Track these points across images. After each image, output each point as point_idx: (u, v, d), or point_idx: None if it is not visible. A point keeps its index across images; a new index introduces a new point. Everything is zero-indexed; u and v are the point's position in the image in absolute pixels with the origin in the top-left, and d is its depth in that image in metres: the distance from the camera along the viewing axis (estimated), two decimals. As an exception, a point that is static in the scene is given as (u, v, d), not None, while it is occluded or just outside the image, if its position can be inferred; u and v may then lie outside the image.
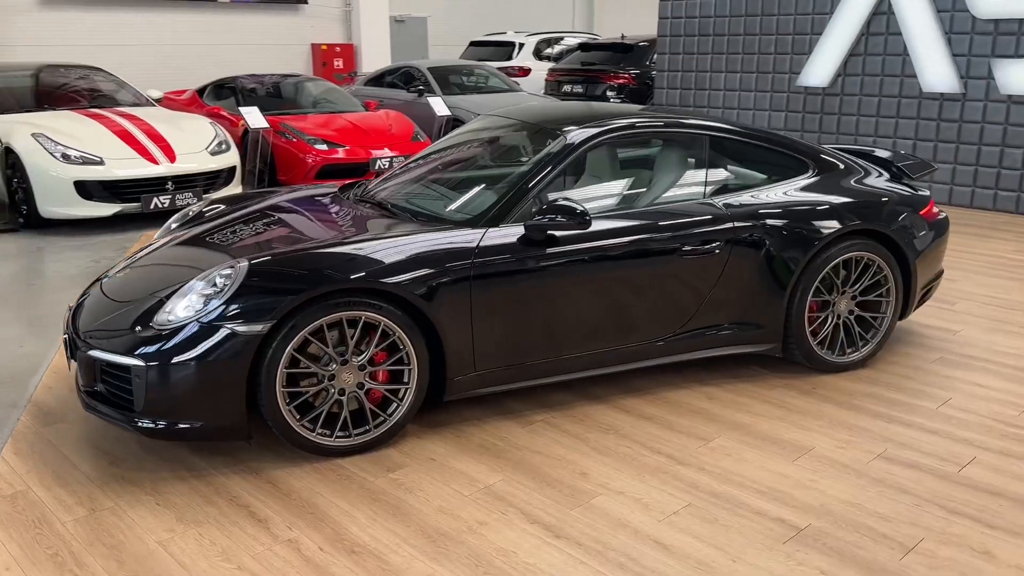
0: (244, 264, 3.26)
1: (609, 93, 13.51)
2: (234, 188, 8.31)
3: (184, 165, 7.82)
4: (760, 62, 9.97)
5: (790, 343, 4.17)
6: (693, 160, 4.19)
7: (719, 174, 4.18)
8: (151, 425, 3.18)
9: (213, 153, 8.15)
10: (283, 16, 14.93)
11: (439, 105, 10.79)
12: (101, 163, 7.45)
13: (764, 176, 4.37)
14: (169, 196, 7.69)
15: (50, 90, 8.96)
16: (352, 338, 3.30)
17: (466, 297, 3.47)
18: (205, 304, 3.18)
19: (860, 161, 4.65)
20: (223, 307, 3.14)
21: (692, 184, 4.13)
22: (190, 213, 4.46)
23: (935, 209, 4.56)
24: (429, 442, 3.54)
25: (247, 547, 2.80)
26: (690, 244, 3.86)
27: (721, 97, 10.40)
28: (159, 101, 9.76)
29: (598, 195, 4.04)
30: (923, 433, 3.65)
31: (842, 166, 4.46)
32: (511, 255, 3.56)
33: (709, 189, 4.10)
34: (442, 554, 2.77)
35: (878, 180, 4.49)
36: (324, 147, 9.13)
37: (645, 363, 3.95)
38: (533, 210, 3.63)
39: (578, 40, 15.42)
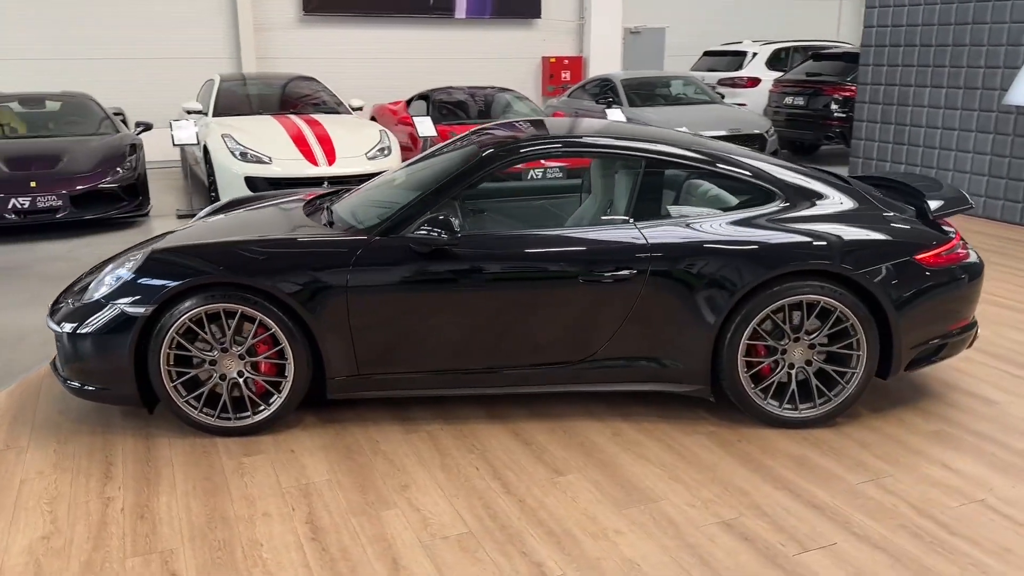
0: (147, 251, 3.74)
1: (833, 106, 12.53)
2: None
3: (341, 167, 8.66)
4: (967, 76, 8.73)
5: (724, 388, 3.80)
6: (627, 183, 3.97)
7: (651, 200, 3.91)
8: (75, 385, 3.77)
9: (371, 157, 8.92)
10: (516, 30, 15.66)
11: (615, 117, 10.79)
12: (269, 162, 8.52)
13: (711, 205, 4.02)
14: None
15: (266, 96, 10.33)
16: (229, 329, 3.64)
17: (343, 303, 3.65)
18: (112, 285, 3.70)
19: (871, 193, 4.06)
20: (120, 289, 3.64)
21: (616, 208, 3.92)
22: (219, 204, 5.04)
23: (953, 252, 3.87)
24: (306, 435, 3.77)
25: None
26: (598, 271, 3.69)
27: (924, 115, 9.25)
28: (359, 109, 10.81)
29: (511, 212, 3.99)
30: (802, 506, 3.18)
31: (826, 198, 3.93)
32: (392, 266, 3.67)
33: (637, 213, 3.85)
34: (200, 536, 3.01)
35: (869, 216, 3.89)
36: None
37: (556, 388, 3.83)
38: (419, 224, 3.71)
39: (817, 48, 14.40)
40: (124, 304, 3.60)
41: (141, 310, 3.58)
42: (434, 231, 3.62)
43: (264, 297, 3.63)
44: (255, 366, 3.72)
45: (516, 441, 3.71)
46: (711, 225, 3.79)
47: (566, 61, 15.88)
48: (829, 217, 3.86)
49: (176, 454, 3.60)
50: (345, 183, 8.54)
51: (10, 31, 12.62)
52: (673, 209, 3.98)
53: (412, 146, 10.64)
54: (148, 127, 9.66)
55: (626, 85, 11.88)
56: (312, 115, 9.75)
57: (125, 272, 3.69)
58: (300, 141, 8.84)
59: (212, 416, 3.73)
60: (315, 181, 8.57)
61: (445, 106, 11.12)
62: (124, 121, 10.69)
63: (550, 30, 15.95)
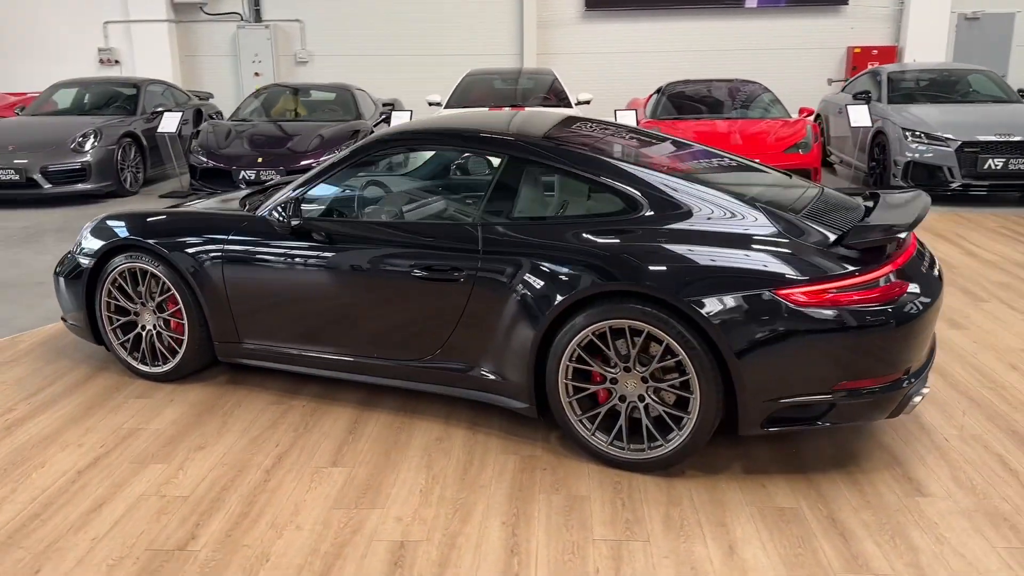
0: (103, 215, 4.43)
1: None
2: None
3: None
4: None
5: (551, 411, 3.45)
6: (485, 179, 3.73)
7: (504, 199, 3.61)
8: (61, 317, 4.62)
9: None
10: (818, 18, 14.29)
11: (857, 114, 9.53)
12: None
13: (563, 209, 3.61)
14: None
15: (503, 90, 10.88)
16: (143, 285, 4.20)
17: (219, 272, 4.00)
18: (77, 241, 4.46)
19: (756, 212, 3.30)
20: (80, 243, 4.38)
21: (468, 205, 3.71)
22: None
23: (847, 291, 3.05)
24: (193, 390, 4.19)
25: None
26: (433, 269, 3.57)
27: None
28: (586, 103, 10.88)
29: (368, 200, 3.96)
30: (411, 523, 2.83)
31: (702, 212, 3.31)
32: (258, 243, 3.93)
33: (484, 214, 3.62)
34: None
35: (735, 238, 3.21)
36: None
37: (402, 384, 3.80)
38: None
39: None
40: (80, 256, 4.34)
41: (87, 262, 4.29)
42: (276, 212, 3.81)
43: (160, 260, 4.11)
44: (166, 322, 4.23)
45: (338, 428, 3.75)
46: (549, 231, 3.44)
47: (875, 51, 14.19)
48: (679, 234, 3.26)
49: (101, 381, 4.27)
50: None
51: (326, 33, 14.80)
52: (531, 210, 3.64)
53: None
54: (388, 115, 10.80)
55: (894, 78, 10.35)
56: (527, 107, 10.08)
57: (85, 231, 4.43)
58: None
59: (147, 364, 4.32)
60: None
61: (681, 100, 10.72)
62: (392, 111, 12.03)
63: (860, 17, 14.36)
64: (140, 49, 14.64)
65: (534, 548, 2.83)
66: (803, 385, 3.10)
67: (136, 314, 4.27)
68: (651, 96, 11.61)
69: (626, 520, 2.99)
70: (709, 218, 3.31)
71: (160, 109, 10.73)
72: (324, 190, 3.97)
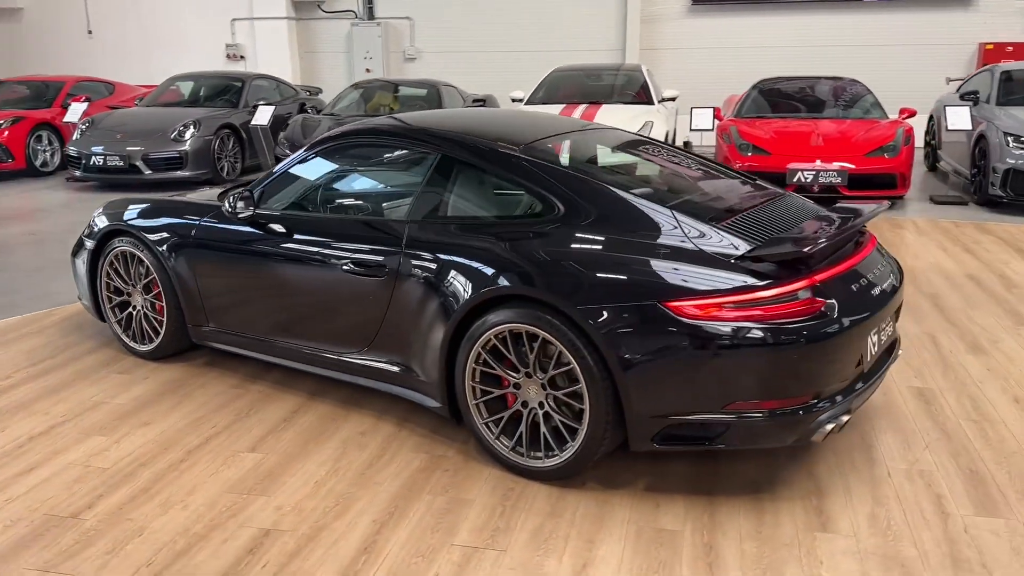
0: (109, 201, 4.75)
1: None
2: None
3: (582, 155, 8.82)
4: None
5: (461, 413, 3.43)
6: (419, 176, 3.72)
7: (432, 197, 3.60)
8: (81, 302, 5.00)
9: (619, 147, 8.87)
10: (944, 13, 13.22)
11: (956, 116, 8.83)
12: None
13: (485, 209, 3.56)
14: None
15: (588, 86, 10.78)
16: (133, 268, 4.47)
17: (188, 258, 4.21)
18: (88, 224, 4.80)
19: (671, 220, 3.14)
20: (88, 227, 4.72)
21: (401, 202, 3.72)
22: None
23: (750, 307, 2.86)
24: (170, 369, 4.43)
25: (1, 371, 4.46)
26: (360, 264, 3.62)
27: None
28: (671, 100, 10.58)
29: (321, 195, 4.02)
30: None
31: (612, 218, 3.18)
32: (222, 231, 4.10)
33: (412, 211, 3.62)
34: (-6, 412, 3.94)
35: (637, 245, 3.07)
36: (750, 153, 8.78)
37: (340, 376, 3.86)
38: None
39: None
40: (86, 238, 4.68)
41: (89, 244, 4.63)
42: (228, 203, 3.97)
43: (144, 245, 4.36)
44: (153, 303, 4.49)
45: (274, 415, 3.87)
46: (465, 232, 3.41)
47: (1009, 48, 13.04)
48: (583, 240, 3.16)
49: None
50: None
51: (435, 30, 15.10)
52: (454, 210, 3.60)
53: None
54: (481, 106, 10.95)
55: (1009, 76, 9.48)
56: (599, 104, 9.94)
57: (94, 215, 4.76)
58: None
59: (130, 338, 4.62)
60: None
61: (775, 97, 10.25)
62: (482, 106, 12.15)
63: (993, 12, 13.23)
64: (263, 45, 15.48)
65: (389, 548, 2.83)
66: (693, 403, 2.94)
67: (128, 294, 4.57)
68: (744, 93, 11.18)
69: (495, 528, 2.94)
70: (618, 224, 3.18)
71: (259, 102, 11.32)
72: (285, 183, 4.09)
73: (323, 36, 15.67)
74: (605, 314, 2.96)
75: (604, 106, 9.82)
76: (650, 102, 10.27)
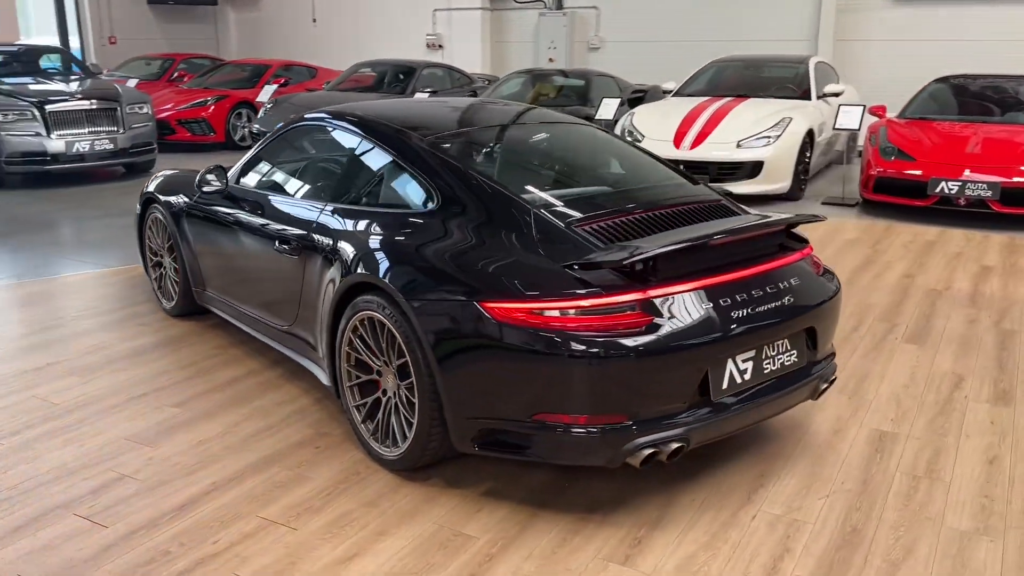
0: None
1: None
2: (762, 183, 8.37)
3: (701, 152, 8.45)
4: None
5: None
6: (345, 159, 3.82)
7: (348, 183, 3.69)
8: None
9: (742, 145, 8.40)
10: None
11: None
12: (639, 141, 8.85)
13: (383, 196, 3.56)
14: (678, 177, 8.51)
15: (739, 79, 10.24)
16: (158, 230, 5.00)
17: (188, 226, 4.63)
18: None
19: (527, 219, 3.02)
20: (142, 190, 5.33)
21: (327, 186, 3.83)
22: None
23: (567, 314, 2.71)
24: (182, 326, 4.89)
25: (57, 314, 5.17)
26: (284, 242, 3.79)
27: None
28: (835, 95, 9.75)
29: (282, 175, 4.21)
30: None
31: (470, 211, 3.12)
32: (203, 204, 4.47)
33: (330, 194, 3.77)
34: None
35: (479, 239, 3.02)
36: (893, 158, 7.94)
37: (281, 349, 4.08)
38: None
39: None
40: (137, 205, 5.29)
41: (137, 208, 5.23)
42: (202, 177, 4.30)
43: (165, 212, 4.84)
44: (174, 266, 4.98)
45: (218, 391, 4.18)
46: (358, 217, 3.49)
47: None
48: (436, 231, 3.13)
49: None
50: (700, 169, 8.34)
51: (620, 19, 14.91)
52: (359, 194, 3.66)
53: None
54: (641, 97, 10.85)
55: None
56: (744, 98, 9.38)
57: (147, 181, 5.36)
58: (687, 123, 8.83)
59: (161, 295, 5.17)
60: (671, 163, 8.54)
61: (955, 96, 9.14)
62: (643, 98, 11.92)
63: None
64: (458, 35, 16.16)
65: (202, 510, 3.00)
66: (502, 408, 2.83)
67: (161, 256, 5.10)
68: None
69: (308, 508, 3.01)
70: (476, 220, 3.13)
71: (427, 90, 11.88)
72: (256, 162, 4.36)
73: (513, 26, 16.05)
74: (430, 308, 2.93)
75: (749, 100, 9.28)
76: (807, 97, 9.55)
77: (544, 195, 3.29)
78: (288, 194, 4.04)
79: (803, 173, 8.88)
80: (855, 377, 4.16)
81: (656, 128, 8.89)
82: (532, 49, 15.87)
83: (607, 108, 9.86)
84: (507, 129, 3.92)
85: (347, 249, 3.36)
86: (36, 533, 2.85)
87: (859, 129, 8.64)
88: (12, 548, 2.77)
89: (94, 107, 9.69)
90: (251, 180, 4.32)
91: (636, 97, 11.68)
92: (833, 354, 3.41)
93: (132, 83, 13.77)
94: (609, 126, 9.72)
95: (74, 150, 9.43)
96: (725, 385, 2.89)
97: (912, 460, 3.35)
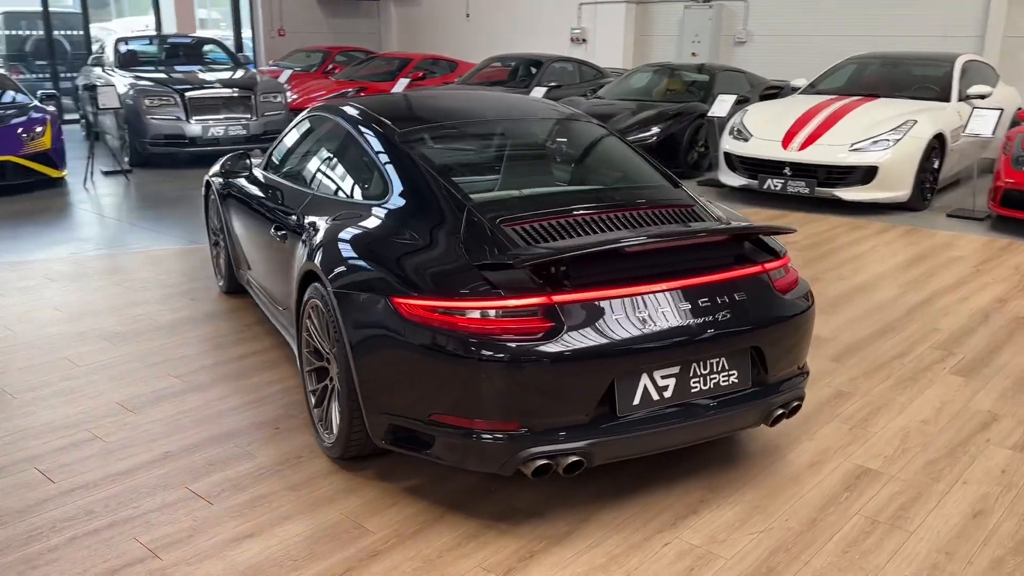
0: None
1: None
2: (875, 191, 7.75)
3: (809, 155, 7.94)
4: None
5: (313, 380, 3.61)
6: (331, 150, 3.90)
7: (329, 171, 3.76)
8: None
9: (855, 149, 7.82)
10: None
11: None
12: (746, 140, 8.43)
13: (354, 187, 3.62)
14: (782, 181, 8.05)
15: (870, 77, 9.50)
16: (216, 212, 5.31)
17: (228, 208, 4.89)
18: None
19: (458, 215, 2.97)
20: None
21: (318, 175, 3.90)
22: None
23: (457, 314, 2.65)
24: (228, 302, 5.17)
25: None
26: (278, 228, 3.91)
27: None
28: (981, 97, 8.85)
29: (286, 162, 4.32)
30: (127, 463, 3.23)
31: (408, 203, 3.12)
32: (238, 187, 4.69)
33: (318, 184, 3.85)
34: None
35: (407, 232, 3.02)
36: (1021, 168, 7.14)
37: (282, 330, 4.23)
38: None
39: None
40: (203, 186, 5.64)
41: (201, 191, 5.59)
42: (235, 162, 4.51)
43: (216, 195, 5.13)
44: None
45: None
46: (329, 205, 3.56)
47: None
48: (372, 221, 3.15)
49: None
50: (808, 172, 7.85)
51: (770, 13, 14.19)
52: (337, 183, 3.72)
53: None
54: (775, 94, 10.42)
55: None
56: (873, 97, 8.68)
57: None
58: (801, 123, 8.31)
59: (215, 273, 5.50)
60: (776, 164, 8.09)
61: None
62: (776, 94, 11.33)
63: None
64: (602, 28, 16.00)
65: (136, 480, 3.18)
66: (405, 405, 2.81)
67: (219, 235, 5.42)
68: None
69: (234, 487, 3.11)
70: (415, 213, 3.13)
71: (550, 84, 11.88)
72: (281, 149, 4.53)
73: (658, 20, 15.68)
74: (351, 300, 2.94)
75: (877, 100, 8.60)
76: (946, 99, 8.73)
77: (492, 192, 3.23)
78: (287, 182, 4.17)
79: (929, 182, 8.13)
80: (870, 407, 3.78)
81: (766, 127, 8.43)
82: (676, 43, 15.45)
83: (721, 105, 9.43)
84: (492, 124, 3.85)
85: (310, 237, 3.44)
86: (-6, 481, 3.14)
87: (993, 136, 7.78)
88: (-32, 492, 3.06)
89: (230, 95, 10.40)
90: (269, 167, 4.49)
91: (769, 94, 11.13)
92: (800, 376, 3.12)
93: (286, 74, 14.65)
94: (721, 124, 9.31)
95: (209, 134, 10.17)
96: (637, 401, 2.72)
97: (882, 504, 3.01)
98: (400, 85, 12.78)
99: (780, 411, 3.01)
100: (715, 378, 2.84)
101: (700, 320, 2.77)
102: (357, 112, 3.83)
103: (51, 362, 4.26)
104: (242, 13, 18.37)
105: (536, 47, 16.37)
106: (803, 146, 8.02)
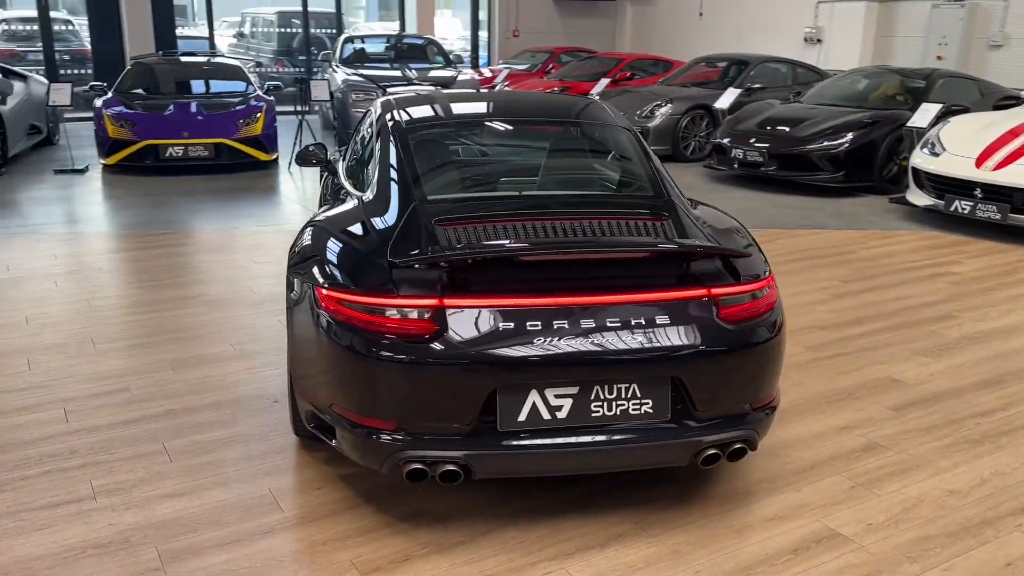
0: None
1: None
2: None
3: (1004, 176, 6.92)
4: None
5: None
6: (368, 144, 3.97)
7: (361, 156, 3.89)
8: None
9: (1051, 170, 6.70)
10: None
11: None
12: (937, 155, 7.49)
13: (362, 175, 3.67)
14: (971, 203, 7.09)
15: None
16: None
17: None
18: None
19: (402, 213, 2.96)
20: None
21: (354, 159, 4.05)
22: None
23: (341, 304, 2.69)
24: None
25: None
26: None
27: None
28: None
29: (349, 151, 4.46)
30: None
31: (372, 196, 3.18)
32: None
33: (351, 168, 4.02)
34: None
35: (358, 225, 3.08)
36: None
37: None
38: None
39: None
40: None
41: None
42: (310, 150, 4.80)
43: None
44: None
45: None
46: (347, 196, 3.69)
47: None
48: (351, 213, 3.25)
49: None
50: (1002, 195, 6.86)
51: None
52: (359, 181, 3.81)
53: None
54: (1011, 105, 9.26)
55: None
56: None
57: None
58: (1003, 140, 7.24)
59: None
60: (966, 184, 7.11)
61: None
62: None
63: None
64: (838, 28, 14.88)
65: (123, 432, 3.53)
66: (316, 393, 2.88)
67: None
68: None
69: (200, 449, 3.34)
70: (373, 204, 3.18)
71: (754, 86, 11.30)
72: (357, 138, 4.74)
73: (902, 19, 14.27)
74: (292, 283, 3.06)
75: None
76: None
77: (455, 193, 3.19)
78: (340, 170, 4.36)
79: None
80: (896, 466, 3.26)
81: (962, 143, 7.42)
82: (920, 45, 13.98)
83: (923, 114, 8.44)
84: (503, 125, 3.78)
85: (312, 222, 3.61)
86: (16, 415, 3.62)
87: None
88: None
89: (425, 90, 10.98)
90: (343, 156, 4.74)
91: (1005, 105, 9.77)
92: (757, 414, 2.78)
93: (503, 73, 15.17)
94: (919, 134, 8.32)
95: (403, 127, 10.82)
96: (523, 417, 2.58)
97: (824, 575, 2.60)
98: (600, 85, 12.75)
99: (712, 451, 2.70)
100: (623, 405, 2.61)
101: (606, 341, 2.57)
102: (387, 106, 3.92)
103: (137, 321, 4.82)
104: (481, 15, 19.23)
105: (768, 48, 15.56)
106: (999, 166, 6.97)
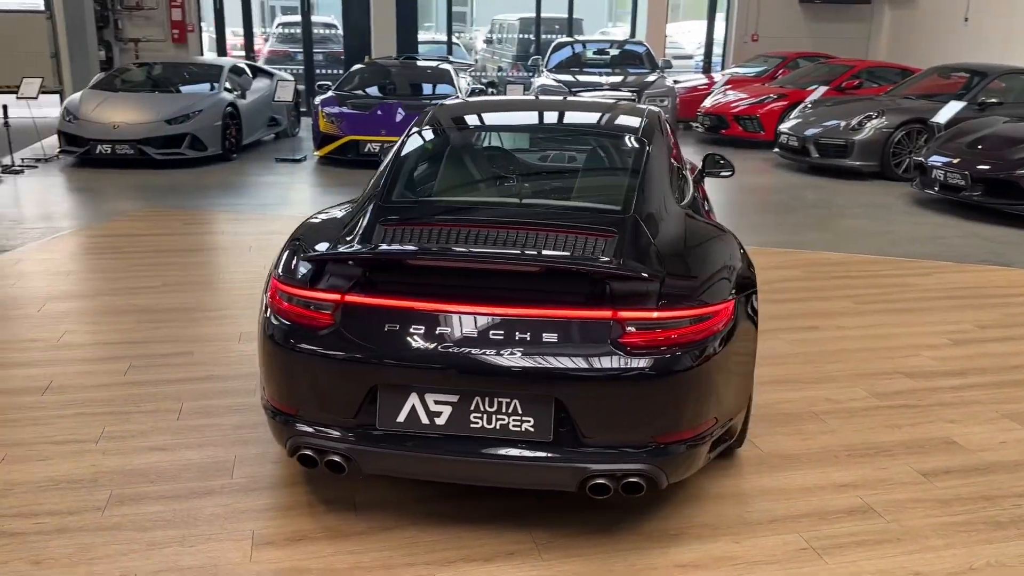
0: None
1: None
2: None
3: None
4: None
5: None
6: None
7: None
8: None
9: None
10: None
11: None
12: None
13: None
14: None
15: None
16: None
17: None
18: None
19: (365, 211, 3.02)
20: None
21: None
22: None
23: (289, 300, 2.87)
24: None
25: None
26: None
27: None
28: None
29: None
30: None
31: (372, 198, 3.29)
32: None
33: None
34: None
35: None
36: None
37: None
38: None
39: None
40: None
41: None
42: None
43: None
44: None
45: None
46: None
47: None
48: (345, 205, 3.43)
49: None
50: None
51: None
52: None
53: None
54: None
55: None
56: None
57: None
58: None
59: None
60: None
61: None
62: None
63: None
64: None
65: (121, 391, 3.96)
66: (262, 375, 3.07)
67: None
68: None
69: (186, 428, 3.56)
70: (364, 200, 3.32)
71: (988, 100, 10.08)
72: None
73: None
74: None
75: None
76: None
77: (421, 196, 3.26)
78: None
79: None
80: (873, 537, 2.84)
81: None
82: None
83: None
84: (521, 132, 3.76)
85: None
86: (86, 364, 4.20)
87: None
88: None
89: (615, 96, 10.95)
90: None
91: None
92: (641, 448, 2.57)
93: (723, 79, 14.68)
94: None
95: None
96: (402, 419, 2.60)
97: None
98: (817, 93, 11.94)
99: (600, 480, 2.55)
100: (503, 420, 2.55)
101: (486, 352, 2.52)
102: (424, 113, 4.05)
103: (241, 296, 5.35)
104: (717, 18, 18.70)
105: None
106: None
